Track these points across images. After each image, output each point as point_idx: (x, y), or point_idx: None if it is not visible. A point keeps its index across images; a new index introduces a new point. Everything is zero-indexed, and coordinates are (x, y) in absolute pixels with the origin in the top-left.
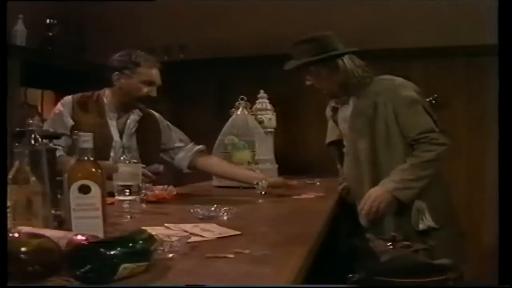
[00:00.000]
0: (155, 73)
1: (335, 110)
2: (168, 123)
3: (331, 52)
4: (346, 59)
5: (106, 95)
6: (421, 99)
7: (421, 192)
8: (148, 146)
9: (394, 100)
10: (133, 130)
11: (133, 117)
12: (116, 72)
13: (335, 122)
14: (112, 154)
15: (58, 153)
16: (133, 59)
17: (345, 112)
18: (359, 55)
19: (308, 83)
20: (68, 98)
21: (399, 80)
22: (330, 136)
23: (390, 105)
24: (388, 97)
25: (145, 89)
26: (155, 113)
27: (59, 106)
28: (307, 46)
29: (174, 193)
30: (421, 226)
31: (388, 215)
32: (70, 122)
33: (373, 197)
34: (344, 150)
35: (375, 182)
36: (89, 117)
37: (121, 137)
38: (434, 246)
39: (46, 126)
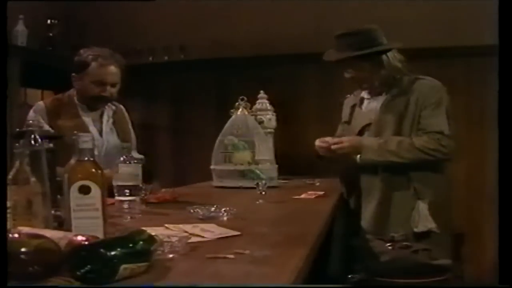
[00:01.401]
0: (107, 72)
1: (362, 100)
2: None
3: (377, 46)
4: (390, 54)
5: (76, 95)
6: (448, 103)
7: (422, 192)
8: (126, 138)
9: (423, 101)
10: (110, 125)
11: (107, 112)
12: (73, 73)
13: (358, 107)
14: (96, 152)
15: None
16: (83, 59)
17: (374, 103)
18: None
19: (347, 75)
20: (40, 104)
21: (434, 82)
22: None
23: (420, 105)
24: (420, 96)
25: (96, 89)
26: (122, 107)
27: (31, 113)
28: (353, 39)
29: (176, 195)
30: (421, 228)
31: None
32: (47, 127)
33: (346, 141)
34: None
35: (388, 175)
36: (65, 120)
37: (100, 134)
38: (433, 247)
39: None
